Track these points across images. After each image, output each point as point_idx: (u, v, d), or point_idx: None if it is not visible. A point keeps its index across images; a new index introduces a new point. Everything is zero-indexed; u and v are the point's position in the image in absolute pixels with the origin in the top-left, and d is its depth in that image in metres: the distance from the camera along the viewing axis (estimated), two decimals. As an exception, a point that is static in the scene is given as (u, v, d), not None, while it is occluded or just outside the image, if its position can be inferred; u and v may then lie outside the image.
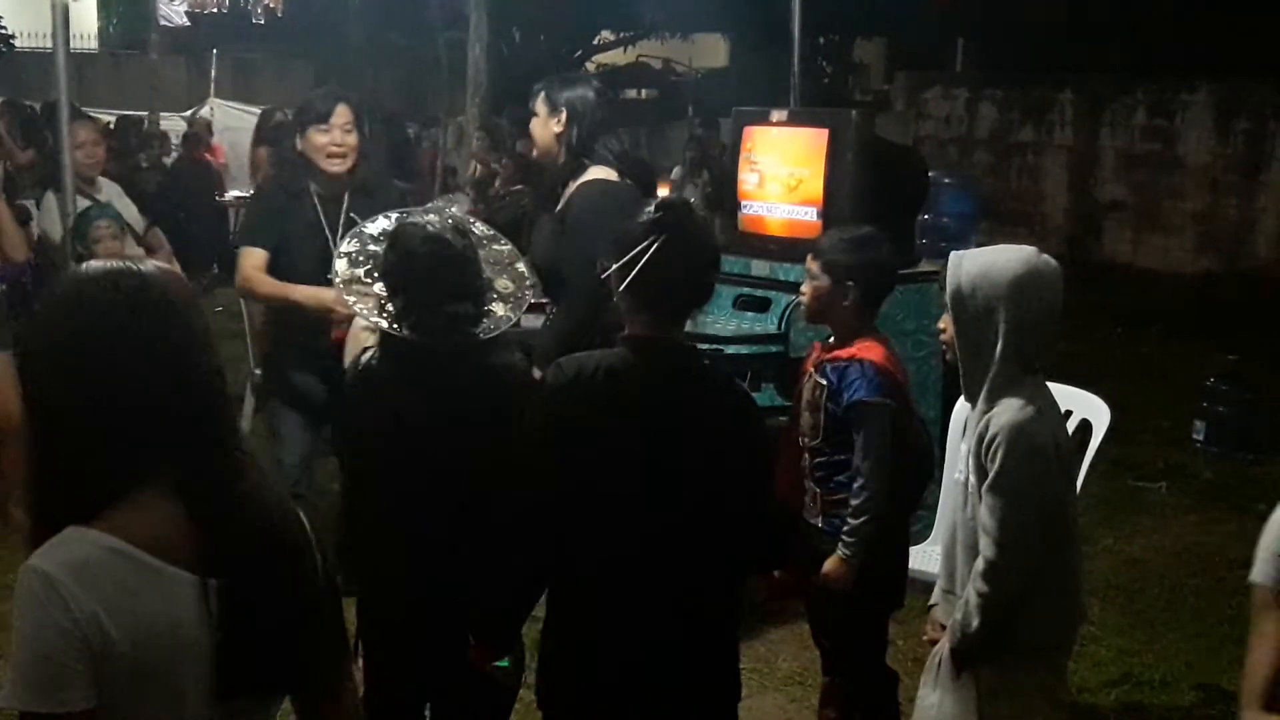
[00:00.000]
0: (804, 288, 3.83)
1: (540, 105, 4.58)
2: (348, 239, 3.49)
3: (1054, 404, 3.22)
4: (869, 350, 3.70)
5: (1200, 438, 7.66)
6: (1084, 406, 4.31)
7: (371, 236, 3.47)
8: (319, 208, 4.71)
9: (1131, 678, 4.79)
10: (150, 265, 1.90)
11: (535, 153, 4.73)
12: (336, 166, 4.71)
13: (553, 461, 2.80)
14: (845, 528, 3.64)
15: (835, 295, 3.74)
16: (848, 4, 16.27)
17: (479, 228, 3.48)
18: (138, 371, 1.80)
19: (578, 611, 2.87)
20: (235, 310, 7.45)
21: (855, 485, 3.63)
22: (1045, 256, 3.14)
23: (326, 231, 4.67)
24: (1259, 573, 2.71)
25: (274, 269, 4.71)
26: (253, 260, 4.76)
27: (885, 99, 18.75)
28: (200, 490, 1.82)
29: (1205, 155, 13.51)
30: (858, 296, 3.72)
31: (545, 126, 4.56)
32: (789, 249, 5.17)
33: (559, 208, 4.53)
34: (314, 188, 4.73)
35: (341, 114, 4.69)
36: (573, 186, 4.51)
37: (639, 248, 2.82)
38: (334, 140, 4.68)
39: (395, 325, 3.17)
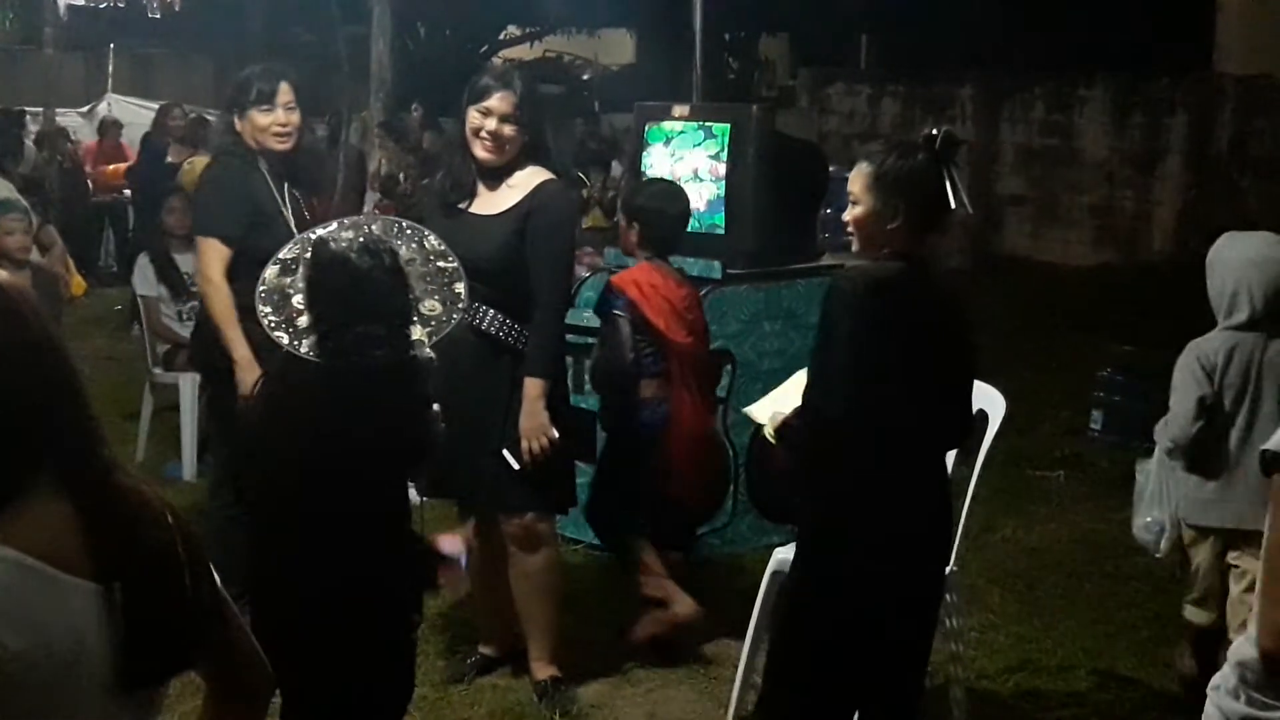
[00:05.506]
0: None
1: (510, 98, 4.23)
2: (291, 244, 3.40)
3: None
4: None
5: (1097, 427, 7.79)
6: (980, 398, 4.36)
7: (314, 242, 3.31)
8: (273, 187, 4.69)
9: (1030, 664, 4.87)
10: None
11: (490, 148, 4.25)
12: (284, 145, 4.72)
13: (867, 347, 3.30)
14: None
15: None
16: (752, 1, 16.35)
17: (430, 241, 3.38)
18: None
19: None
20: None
21: None
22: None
23: (286, 213, 4.66)
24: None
25: (238, 256, 4.58)
26: (215, 255, 4.63)
27: (790, 95, 18.86)
28: (87, 489, 1.79)
29: (1102, 149, 13.73)
30: None
31: (512, 120, 4.26)
32: (691, 243, 5.18)
33: (507, 208, 4.26)
34: (264, 166, 4.71)
35: (285, 92, 4.70)
36: (520, 186, 4.28)
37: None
38: (278, 120, 4.69)
39: (296, 343, 3.15)
